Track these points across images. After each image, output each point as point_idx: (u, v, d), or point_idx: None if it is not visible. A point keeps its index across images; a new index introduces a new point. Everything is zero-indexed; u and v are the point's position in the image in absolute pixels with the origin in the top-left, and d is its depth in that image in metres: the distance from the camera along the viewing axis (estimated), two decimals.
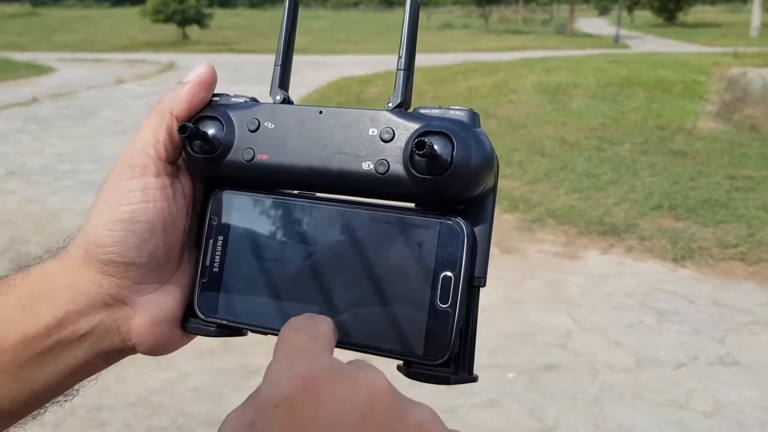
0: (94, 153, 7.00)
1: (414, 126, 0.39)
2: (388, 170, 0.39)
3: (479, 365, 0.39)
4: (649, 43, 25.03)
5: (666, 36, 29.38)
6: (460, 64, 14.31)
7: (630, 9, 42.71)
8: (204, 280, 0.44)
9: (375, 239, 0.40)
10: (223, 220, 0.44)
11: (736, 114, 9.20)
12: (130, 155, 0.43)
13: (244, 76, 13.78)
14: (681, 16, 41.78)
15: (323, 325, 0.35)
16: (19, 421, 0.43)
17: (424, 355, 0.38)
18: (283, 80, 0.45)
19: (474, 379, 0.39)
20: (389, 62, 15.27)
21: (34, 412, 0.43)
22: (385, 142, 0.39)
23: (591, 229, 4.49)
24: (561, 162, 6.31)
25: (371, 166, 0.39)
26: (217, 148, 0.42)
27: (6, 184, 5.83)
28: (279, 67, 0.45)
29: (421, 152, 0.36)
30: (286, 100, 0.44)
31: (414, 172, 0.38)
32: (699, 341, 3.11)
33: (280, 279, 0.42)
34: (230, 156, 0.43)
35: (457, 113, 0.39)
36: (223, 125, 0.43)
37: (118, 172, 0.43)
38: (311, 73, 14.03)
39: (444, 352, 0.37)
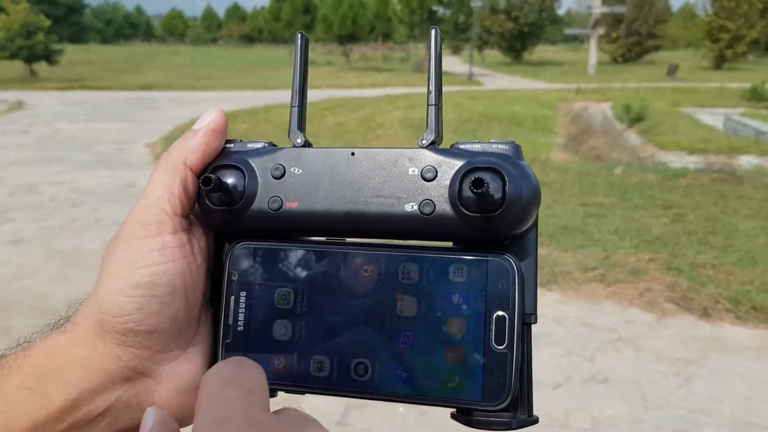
0: None
1: (458, 163, 0.37)
2: (434, 210, 0.37)
3: None
4: (500, 80, 26.72)
5: (514, 73, 31.55)
6: (327, 100, 14.48)
7: (480, 48, 45.51)
8: (228, 341, 0.40)
9: (418, 282, 0.37)
10: (245, 274, 0.40)
11: (582, 145, 10.00)
12: (143, 212, 0.39)
13: (104, 112, 13.10)
14: (526, 55, 45.17)
15: (255, 374, 0.31)
16: None
17: (484, 400, 0.36)
18: (300, 122, 0.42)
19: (535, 421, 0.38)
20: (256, 98, 15.18)
21: None
22: (428, 181, 0.37)
23: None
24: None
25: (415, 208, 0.37)
26: (240, 199, 0.40)
27: None
28: (296, 108, 0.43)
29: (479, 190, 0.34)
30: (307, 143, 0.42)
31: (464, 211, 0.36)
32: (571, 361, 3.29)
33: (314, 333, 0.39)
34: (254, 206, 0.40)
35: (501, 147, 0.38)
36: (244, 174, 0.40)
37: (131, 232, 0.39)
38: (172, 109, 13.60)
39: (505, 396, 0.36)
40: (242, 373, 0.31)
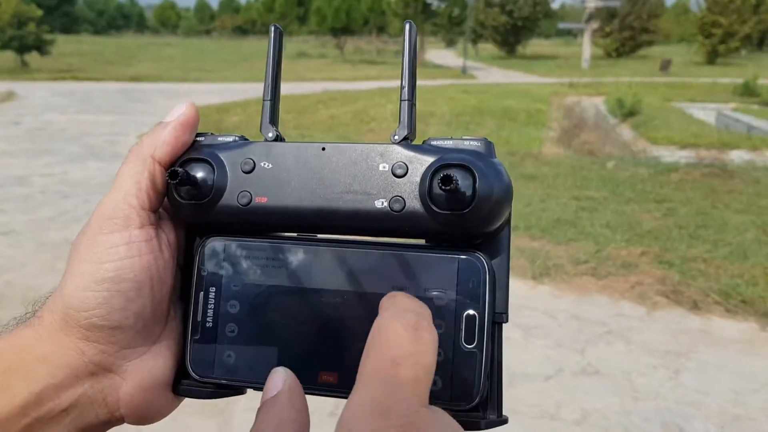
0: None
1: (429, 159, 0.37)
2: (404, 207, 0.36)
3: None
4: (494, 74, 26.72)
5: (508, 67, 31.55)
6: (320, 93, 14.44)
7: (474, 42, 45.46)
8: (196, 337, 0.39)
9: (388, 280, 0.37)
10: (214, 269, 0.40)
11: (575, 140, 10.02)
12: (110, 206, 0.39)
13: (94, 105, 13.02)
14: (520, 49, 45.17)
15: (427, 358, 0.29)
16: None
17: (452, 400, 0.35)
18: (273, 116, 0.41)
19: (504, 421, 0.38)
20: (247, 91, 15.13)
21: None
22: (399, 177, 0.37)
23: None
24: None
25: (385, 204, 0.37)
26: (209, 193, 0.39)
27: None
28: (268, 102, 0.42)
29: (447, 187, 0.33)
30: (279, 138, 0.41)
31: (434, 208, 0.35)
32: (562, 354, 3.30)
33: (283, 330, 0.38)
34: (223, 201, 0.39)
35: (473, 143, 0.37)
36: (213, 168, 0.39)
37: (96, 226, 0.38)
38: (163, 101, 13.53)
39: (473, 396, 0.35)
40: (417, 350, 0.29)
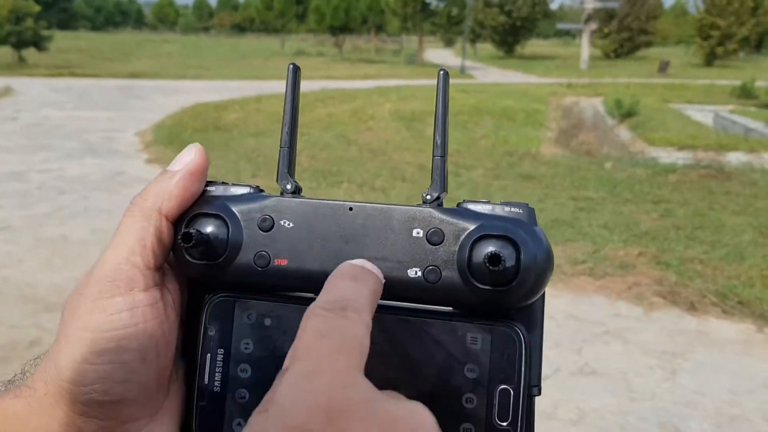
0: None
1: (468, 226, 0.34)
2: (440, 278, 0.34)
3: None
4: (492, 74, 26.73)
5: (506, 67, 31.56)
6: (318, 92, 14.42)
7: (473, 41, 45.45)
8: (203, 403, 0.36)
9: (416, 349, 0.34)
10: (223, 330, 0.36)
11: (573, 140, 10.02)
12: (111, 266, 0.35)
13: (92, 101, 12.99)
14: (519, 49, 45.19)
15: (357, 328, 0.29)
16: None
17: None
18: (290, 164, 0.38)
19: None
20: (245, 88, 15.10)
21: None
22: (434, 245, 0.34)
23: None
24: (421, 187, 6.52)
25: (419, 274, 0.34)
26: (223, 253, 0.35)
27: None
28: (286, 149, 0.38)
29: (495, 267, 0.31)
30: (298, 189, 0.38)
31: (474, 282, 0.33)
32: (560, 353, 3.31)
33: None
34: (238, 261, 0.35)
35: (513, 210, 0.34)
36: (227, 224, 0.36)
37: (97, 289, 0.34)
38: (162, 98, 13.51)
39: None
40: (342, 324, 0.29)
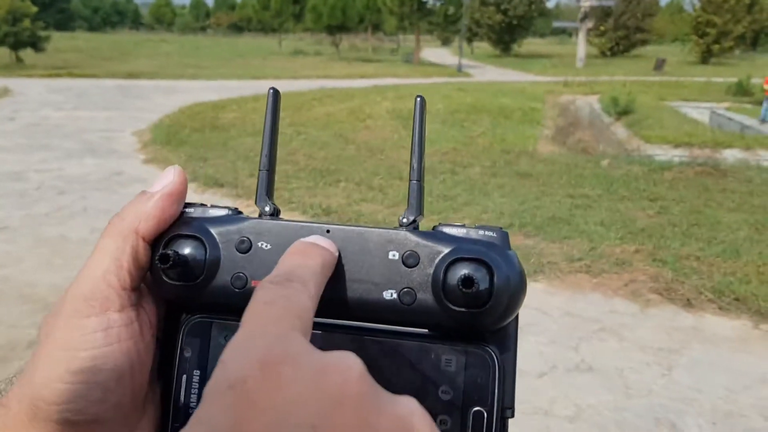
0: None
1: (442, 250, 0.34)
2: (414, 300, 0.34)
3: None
4: (489, 72, 26.75)
5: (503, 66, 31.58)
6: (315, 90, 14.43)
7: (470, 40, 45.47)
8: (178, 425, 0.36)
9: (391, 371, 0.34)
10: (200, 351, 0.36)
11: (569, 138, 10.05)
12: (87, 286, 0.35)
13: (90, 101, 12.98)
14: (515, 48, 45.20)
15: (301, 296, 0.30)
16: None
17: None
18: (269, 187, 0.38)
19: None
20: (243, 87, 15.09)
21: None
22: (409, 267, 0.34)
23: None
24: None
25: (394, 296, 0.34)
26: (200, 274, 0.36)
27: None
28: (264, 172, 0.39)
29: (468, 290, 0.32)
30: (276, 212, 0.38)
31: (447, 304, 0.33)
32: (556, 350, 3.33)
33: None
34: (215, 282, 0.36)
35: (487, 234, 0.35)
36: (205, 246, 0.36)
37: (72, 308, 0.34)
38: (160, 98, 13.50)
39: None
40: (286, 294, 0.29)
